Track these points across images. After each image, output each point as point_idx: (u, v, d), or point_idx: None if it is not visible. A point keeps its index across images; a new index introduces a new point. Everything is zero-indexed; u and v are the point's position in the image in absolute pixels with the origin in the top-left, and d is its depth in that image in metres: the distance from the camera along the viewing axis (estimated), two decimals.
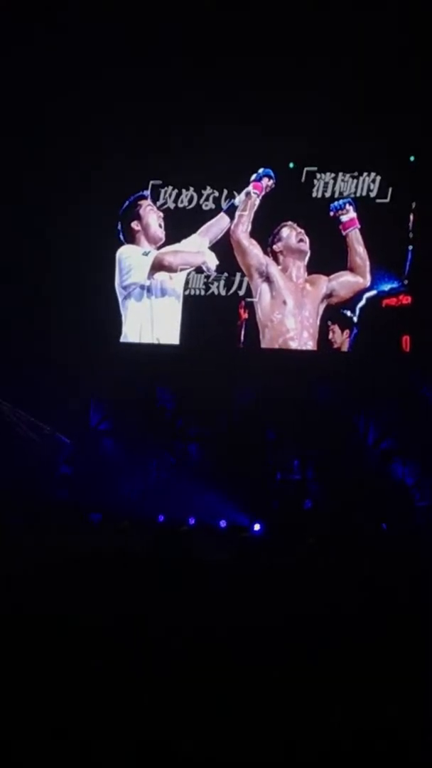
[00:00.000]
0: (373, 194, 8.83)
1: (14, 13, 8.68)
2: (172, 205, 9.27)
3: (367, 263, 8.75)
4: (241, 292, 9.00)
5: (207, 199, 9.17)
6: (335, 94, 8.61)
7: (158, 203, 9.28)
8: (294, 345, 8.79)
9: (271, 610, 5.30)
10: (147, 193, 9.25)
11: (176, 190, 9.27)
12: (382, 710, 3.79)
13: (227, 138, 8.89)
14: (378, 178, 8.82)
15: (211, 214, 9.13)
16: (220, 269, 9.05)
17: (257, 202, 8.95)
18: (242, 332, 8.98)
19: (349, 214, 8.76)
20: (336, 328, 8.89)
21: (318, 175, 8.92)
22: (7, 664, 4.23)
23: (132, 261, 9.07)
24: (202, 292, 9.11)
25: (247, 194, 8.97)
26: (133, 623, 4.94)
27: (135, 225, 9.19)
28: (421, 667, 4.25)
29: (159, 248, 9.15)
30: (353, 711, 3.79)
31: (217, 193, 9.13)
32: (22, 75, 8.90)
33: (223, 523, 8.25)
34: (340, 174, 8.89)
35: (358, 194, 8.85)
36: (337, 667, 4.34)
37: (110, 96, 9.07)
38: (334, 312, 8.87)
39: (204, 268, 9.07)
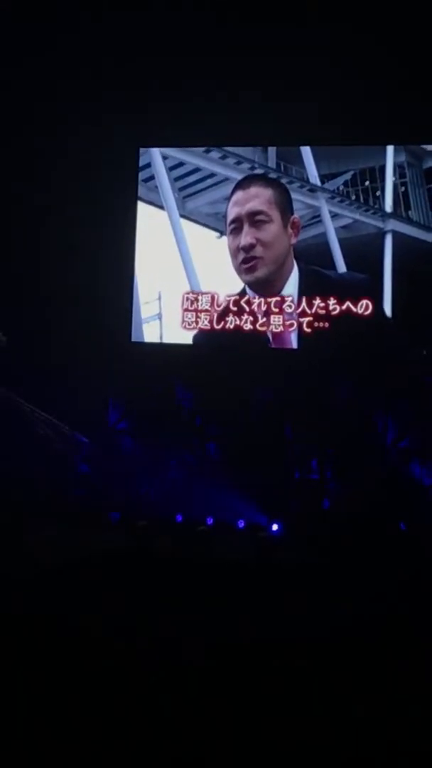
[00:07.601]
0: None
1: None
2: None
3: None
4: None
5: None
6: None
7: None
8: None
9: (289, 609, 5.30)
10: None
11: None
12: (405, 710, 3.78)
13: None
14: None
15: None
16: None
17: None
18: None
19: None
20: None
21: None
22: (18, 661, 4.26)
23: None
24: None
25: None
26: (150, 622, 4.95)
27: None
28: None
29: None
30: (376, 711, 3.78)
31: None
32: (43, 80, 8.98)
33: (241, 523, 8.23)
34: None
35: None
36: (357, 666, 4.33)
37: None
38: None
39: None
